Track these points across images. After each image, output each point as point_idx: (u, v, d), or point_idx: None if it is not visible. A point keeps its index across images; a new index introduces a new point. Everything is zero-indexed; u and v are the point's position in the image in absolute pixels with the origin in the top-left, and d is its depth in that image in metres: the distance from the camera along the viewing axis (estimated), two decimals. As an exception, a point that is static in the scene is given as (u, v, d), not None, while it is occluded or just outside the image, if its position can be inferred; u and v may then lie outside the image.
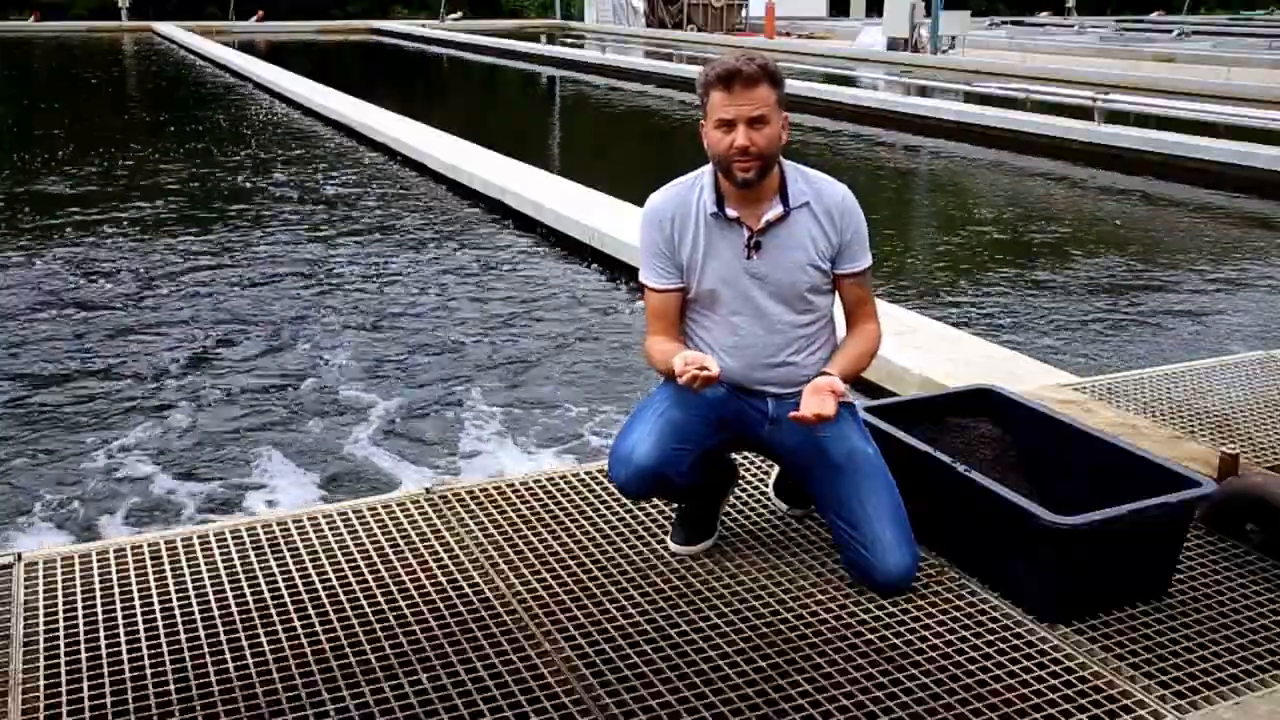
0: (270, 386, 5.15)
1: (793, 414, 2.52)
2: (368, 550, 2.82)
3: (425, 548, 2.83)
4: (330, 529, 2.92)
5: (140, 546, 2.81)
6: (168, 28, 32.40)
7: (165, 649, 2.37)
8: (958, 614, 2.55)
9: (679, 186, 2.72)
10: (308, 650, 2.37)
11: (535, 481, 3.24)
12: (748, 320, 2.68)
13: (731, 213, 2.64)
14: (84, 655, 2.35)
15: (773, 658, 2.36)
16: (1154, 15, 42.26)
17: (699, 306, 2.72)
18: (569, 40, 33.90)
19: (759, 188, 2.61)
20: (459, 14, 40.69)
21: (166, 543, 2.84)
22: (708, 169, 2.69)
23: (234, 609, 2.53)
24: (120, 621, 2.48)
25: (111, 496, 4.06)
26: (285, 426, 4.70)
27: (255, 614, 2.51)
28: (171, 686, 2.24)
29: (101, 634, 2.43)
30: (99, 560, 2.74)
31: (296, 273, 7.18)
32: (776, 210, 2.64)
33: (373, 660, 2.34)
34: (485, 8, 43.42)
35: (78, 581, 2.64)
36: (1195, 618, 2.54)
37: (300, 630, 2.45)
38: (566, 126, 17.80)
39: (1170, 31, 31.11)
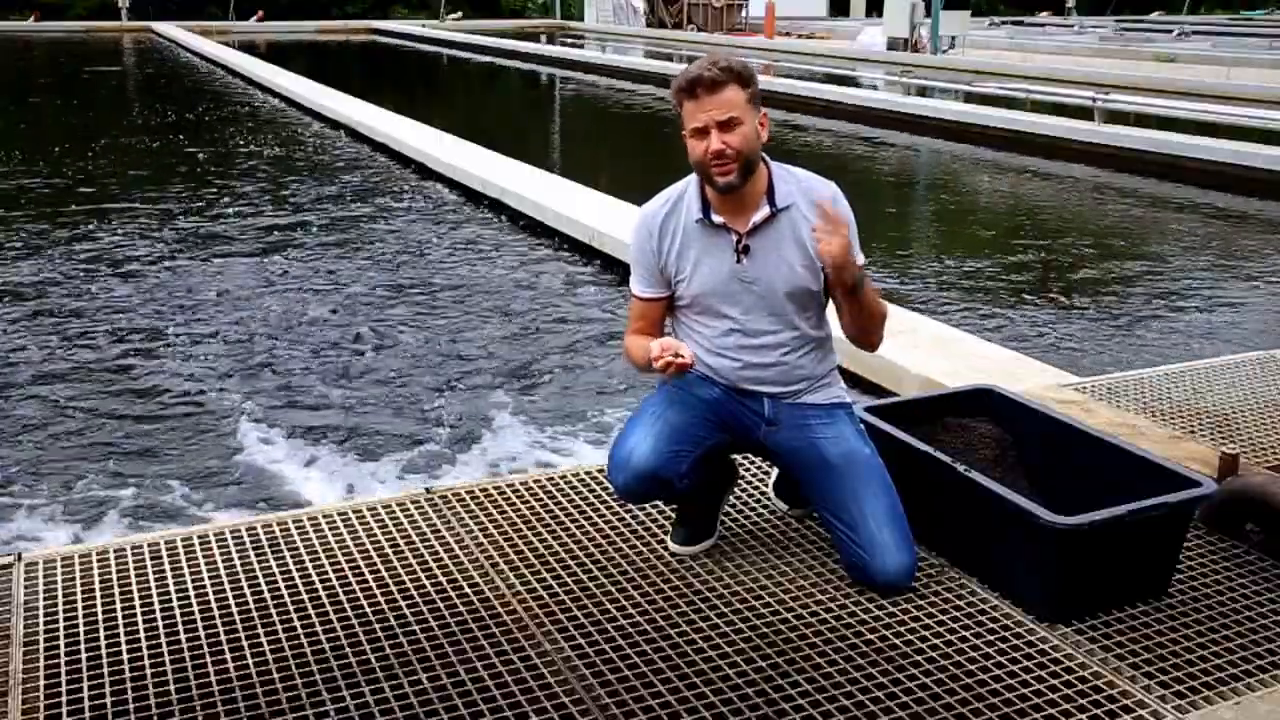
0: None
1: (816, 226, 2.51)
2: (368, 550, 2.82)
3: (425, 548, 2.84)
4: (330, 529, 2.92)
5: (140, 546, 2.82)
6: (167, 28, 32.38)
7: (165, 649, 2.37)
8: (958, 614, 2.55)
9: (668, 195, 2.73)
10: (308, 650, 2.37)
11: (535, 481, 3.24)
12: (741, 323, 2.68)
13: (718, 218, 2.64)
14: (84, 655, 2.35)
15: (773, 658, 2.36)
16: (1154, 15, 42.20)
17: (692, 311, 2.72)
18: (569, 40, 33.89)
19: (745, 191, 2.60)
20: (459, 14, 40.65)
21: (166, 543, 2.84)
22: (694, 176, 2.69)
23: (234, 609, 2.53)
24: (120, 621, 2.48)
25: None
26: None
27: (255, 614, 2.51)
28: (171, 686, 2.24)
29: (101, 634, 2.43)
30: (99, 560, 2.74)
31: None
32: (764, 212, 2.63)
33: (373, 660, 2.34)
34: (485, 8, 43.37)
35: (78, 581, 2.64)
36: (1195, 618, 2.55)
37: (300, 630, 2.45)
38: (565, 126, 17.78)
39: (1170, 31, 31.05)
